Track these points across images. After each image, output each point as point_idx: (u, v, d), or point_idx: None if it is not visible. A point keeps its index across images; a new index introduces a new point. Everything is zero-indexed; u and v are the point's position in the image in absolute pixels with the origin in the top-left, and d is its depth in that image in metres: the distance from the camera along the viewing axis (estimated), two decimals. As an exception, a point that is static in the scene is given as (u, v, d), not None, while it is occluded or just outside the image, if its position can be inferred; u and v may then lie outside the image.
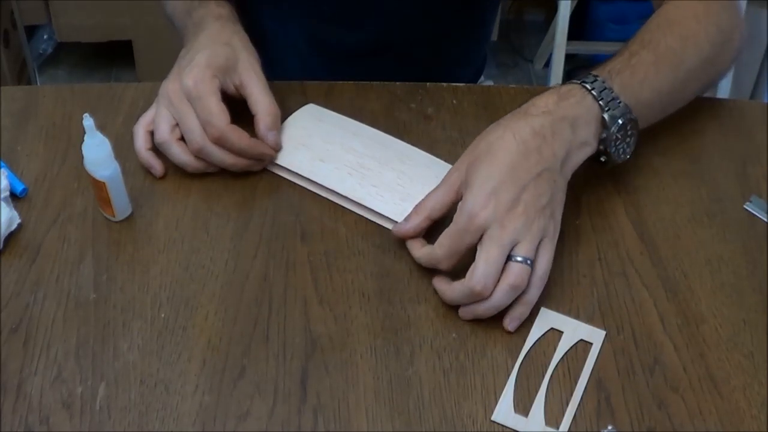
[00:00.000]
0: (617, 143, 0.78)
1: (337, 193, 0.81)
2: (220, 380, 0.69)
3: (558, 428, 0.67)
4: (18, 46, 2.05)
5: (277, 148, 0.84)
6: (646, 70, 0.81)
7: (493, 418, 0.67)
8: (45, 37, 2.33)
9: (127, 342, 0.71)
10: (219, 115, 0.80)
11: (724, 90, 1.79)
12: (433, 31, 1.06)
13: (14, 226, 0.78)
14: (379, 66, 1.01)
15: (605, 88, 0.78)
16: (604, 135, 0.77)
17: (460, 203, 0.73)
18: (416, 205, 0.76)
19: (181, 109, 0.81)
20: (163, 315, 0.73)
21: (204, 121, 0.80)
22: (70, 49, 2.33)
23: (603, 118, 0.77)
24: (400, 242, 0.78)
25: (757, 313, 0.75)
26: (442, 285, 0.73)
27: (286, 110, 0.89)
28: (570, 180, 0.79)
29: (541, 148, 0.74)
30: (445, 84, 0.95)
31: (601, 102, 0.77)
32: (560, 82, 2.05)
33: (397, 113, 0.92)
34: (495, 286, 0.70)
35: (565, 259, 0.78)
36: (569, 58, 2.07)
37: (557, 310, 0.74)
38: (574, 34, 2.04)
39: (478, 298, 0.70)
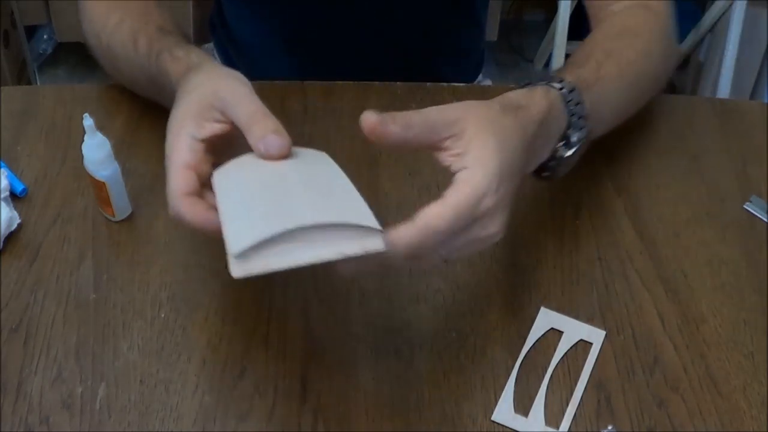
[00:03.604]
0: (569, 161, 0.74)
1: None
2: (220, 380, 0.69)
3: (558, 428, 0.67)
4: (18, 46, 2.04)
5: (284, 151, 0.63)
6: (610, 85, 0.78)
7: (493, 418, 0.67)
8: (45, 37, 2.33)
9: (127, 342, 0.71)
10: (174, 189, 0.63)
11: (724, 90, 1.79)
12: (424, 26, 1.06)
13: (14, 226, 0.78)
14: (374, 63, 1.01)
15: (579, 103, 0.73)
16: (561, 153, 0.73)
17: (469, 173, 0.61)
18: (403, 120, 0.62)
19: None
20: (163, 315, 0.73)
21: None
22: (70, 49, 2.32)
23: (567, 136, 0.73)
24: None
25: (757, 313, 0.75)
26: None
27: (287, 110, 0.89)
28: (570, 180, 0.79)
29: (529, 158, 0.68)
30: (445, 84, 0.95)
31: (572, 118, 0.72)
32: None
33: (397, 113, 0.92)
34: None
35: (565, 259, 0.78)
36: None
37: (557, 310, 0.74)
38: (574, 34, 2.04)
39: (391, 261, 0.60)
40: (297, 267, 0.57)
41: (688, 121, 0.93)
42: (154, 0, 0.87)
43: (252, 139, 0.62)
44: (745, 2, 1.75)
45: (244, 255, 0.56)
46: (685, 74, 2.17)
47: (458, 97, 0.94)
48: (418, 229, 0.58)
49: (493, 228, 0.62)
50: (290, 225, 0.56)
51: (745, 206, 0.84)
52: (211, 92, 0.65)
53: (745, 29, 1.76)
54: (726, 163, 0.88)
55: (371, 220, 0.58)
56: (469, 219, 0.60)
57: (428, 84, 0.95)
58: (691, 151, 0.90)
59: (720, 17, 1.85)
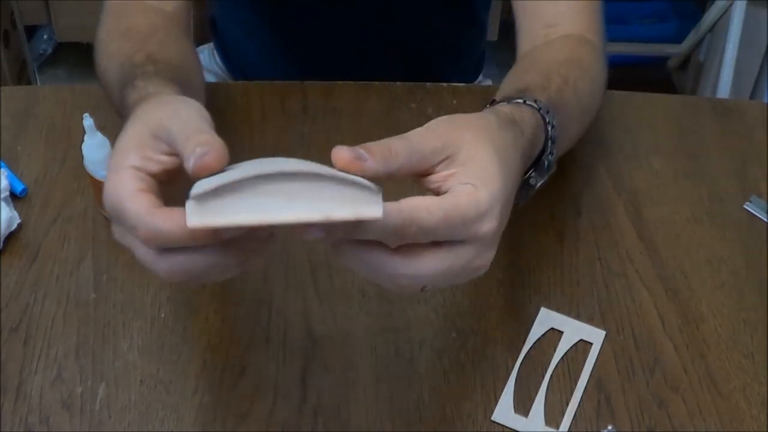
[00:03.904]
0: (535, 191, 0.69)
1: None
2: (220, 380, 0.69)
3: (558, 428, 0.67)
4: (18, 46, 2.04)
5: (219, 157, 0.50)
6: (571, 111, 0.73)
7: (493, 418, 0.67)
8: (45, 37, 2.33)
9: (127, 342, 0.71)
10: (137, 211, 0.51)
11: (724, 90, 1.79)
12: (424, 26, 1.06)
13: (14, 226, 0.78)
14: (374, 63, 1.01)
15: (554, 126, 0.67)
16: (534, 181, 0.67)
17: (470, 188, 0.53)
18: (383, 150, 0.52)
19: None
20: (163, 315, 0.73)
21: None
22: (70, 49, 2.32)
23: (542, 161, 0.67)
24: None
25: (757, 313, 0.75)
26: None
27: (287, 110, 0.89)
28: (570, 180, 0.79)
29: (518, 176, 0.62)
30: (445, 84, 0.95)
31: (548, 142, 0.66)
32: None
33: (397, 113, 0.92)
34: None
35: (565, 259, 0.78)
36: (569, 58, 2.07)
37: (557, 310, 0.74)
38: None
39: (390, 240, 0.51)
40: (271, 225, 0.47)
41: (688, 121, 0.93)
42: (165, 18, 0.82)
43: (186, 163, 0.49)
44: (745, 2, 1.75)
45: (203, 200, 0.46)
46: (685, 74, 2.16)
47: (458, 96, 0.94)
48: (400, 213, 0.49)
49: (488, 257, 0.54)
50: (268, 170, 0.46)
51: (745, 206, 0.84)
52: (155, 122, 0.54)
53: (745, 29, 1.75)
54: (726, 163, 0.88)
55: (370, 183, 0.48)
56: (457, 232, 0.52)
57: (428, 84, 0.95)
58: (691, 151, 0.90)
59: (720, 17, 1.85)
